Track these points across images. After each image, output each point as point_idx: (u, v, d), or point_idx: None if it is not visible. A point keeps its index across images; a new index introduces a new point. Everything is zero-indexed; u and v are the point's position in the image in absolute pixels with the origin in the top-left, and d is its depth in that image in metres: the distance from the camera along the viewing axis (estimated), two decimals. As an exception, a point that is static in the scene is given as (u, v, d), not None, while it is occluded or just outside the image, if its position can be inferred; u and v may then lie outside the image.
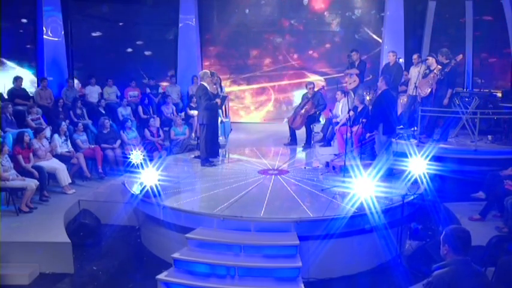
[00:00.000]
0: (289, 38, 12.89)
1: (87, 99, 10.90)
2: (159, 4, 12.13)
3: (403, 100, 9.58)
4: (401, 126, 8.88)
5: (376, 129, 7.21)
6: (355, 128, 8.13)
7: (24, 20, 11.24)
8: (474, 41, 11.76)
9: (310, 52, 12.92)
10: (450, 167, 7.32)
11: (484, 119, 8.86)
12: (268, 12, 12.75)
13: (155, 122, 9.86)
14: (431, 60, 8.42)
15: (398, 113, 9.21)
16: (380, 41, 12.36)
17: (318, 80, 12.41)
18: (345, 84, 9.96)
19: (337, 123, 9.27)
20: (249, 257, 5.38)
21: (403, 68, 10.08)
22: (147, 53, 12.42)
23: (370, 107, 8.55)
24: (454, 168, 7.40)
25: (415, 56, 9.56)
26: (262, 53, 13.01)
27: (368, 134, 8.08)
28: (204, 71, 8.40)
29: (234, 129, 11.77)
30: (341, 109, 9.33)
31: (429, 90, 8.34)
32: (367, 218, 5.66)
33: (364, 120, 8.13)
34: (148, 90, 11.54)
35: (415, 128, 8.66)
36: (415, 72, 9.06)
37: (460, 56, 8.17)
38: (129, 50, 12.44)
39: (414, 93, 8.83)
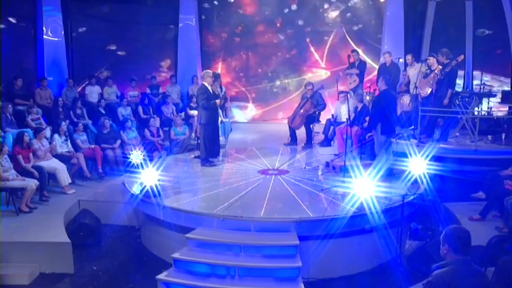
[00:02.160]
0: (289, 37, 12.89)
1: (87, 99, 10.90)
2: (159, 4, 12.13)
3: (402, 100, 9.57)
4: (413, 127, 8.83)
5: (374, 128, 7.21)
6: (355, 128, 8.13)
7: (24, 20, 11.23)
8: (474, 41, 11.77)
9: (311, 51, 12.92)
10: (450, 167, 7.32)
11: (484, 119, 8.86)
12: (268, 12, 12.75)
13: (155, 122, 9.87)
14: (432, 60, 8.42)
15: (398, 113, 9.20)
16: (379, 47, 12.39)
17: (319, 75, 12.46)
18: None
19: (340, 123, 9.31)
20: (249, 257, 5.38)
21: (401, 68, 10.09)
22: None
23: (370, 106, 8.56)
24: (454, 168, 7.39)
25: (408, 57, 9.58)
26: (262, 52, 13.00)
27: (368, 134, 8.09)
28: (205, 70, 8.39)
29: (234, 129, 11.77)
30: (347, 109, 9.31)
31: (429, 90, 8.34)
32: (367, 218, 5.66)
33: (367, 118, 8.16)
34: (148, 91, 11.55)
35: (413, 128, 8.68)
36: (412, 72, 9.06)
37: (462, 57, 8.18)
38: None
39: (414, 93, 8.84)
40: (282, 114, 12.77)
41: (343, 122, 9.34)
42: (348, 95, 9.43)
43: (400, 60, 10.23)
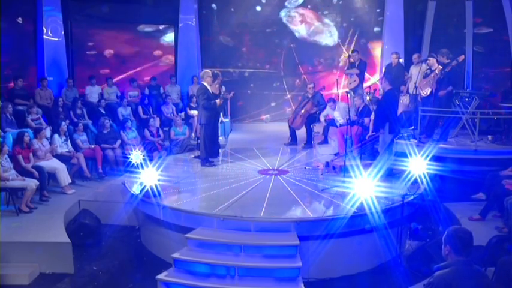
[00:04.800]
0: (289, 37, 12.89)
1: (87, 99, 10.90)
2: (159, 4, 12.14)
3: (403, 100, 9.58)
4: (413, 127, 8.83)
5: (383, 128, 7.20)
6: (355, 128, 8.13)
7: (24, 20, 11.22)
8: (474, 41, 11.78)
9: (311, 51, 12.94)
10: (450, 167, 7.32)
11: (484, 119, 8.86)
12: (268, 12, 12.76)
13: (155, 122, 9.87)
14: (432, 61, 8.43)
15: (398, 112, 9.20)
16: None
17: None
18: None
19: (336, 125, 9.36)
20: (249, 257, 5.38)
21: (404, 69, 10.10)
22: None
23: (371, 107, 8.55)
24: (454, 168, 7.39)
25: (415, 56, 9.57)
26: (262, 53, 13.00)
27: (368, 134, 8.08)
28: (204, 70, 8.39)
29: (234, 129, 11.78)
30: (340, 115, 9.31)
31: (429, 90, 8.34)
32: (367, 218, 5.65)
33: (360, 120, 8.15)
34: (147, 92, 11.53)
35: (413, 128, 8.68)
36: (415, 72, 9.06)
37: (462, 57, 8.18)
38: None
39: (415, 92, 8.84)
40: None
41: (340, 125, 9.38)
42: (348, 95, 9.44)
43: (400, 60, 10.23)
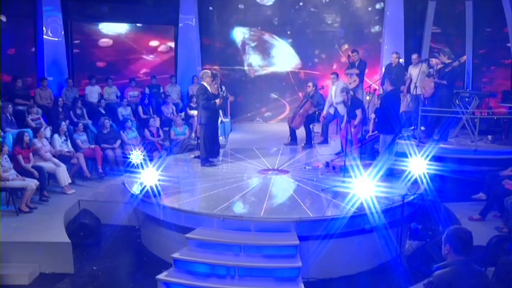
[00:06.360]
0: (289, 37, 12.90)
1: (87, 99, 10.90)
2: (159, 4, 12.14)
3: (403, 100, 9.57)
4: (413, 127, 8.83)
5: (387, 128, 7.18)
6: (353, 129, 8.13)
7: (24, 20, 11.23)
8: (474, 41, 11.78)
9: (311, 51, 12.94)
10: (450, 167, 7.32)
11: (484, 119, 8.86)
12: (269, 12, 12.76)
13: (155, 122, 9.88)
14: (435, 62, 8.43)
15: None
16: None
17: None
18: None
19: (334, 115, 9.31)
20: (249, 257, 5.38)
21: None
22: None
23: (367, 108, 8.56)
24: (454, 168, 7.39)
25: (414, 56, 9.57)
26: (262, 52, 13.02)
27: (369, 134, 8.08)
28: (204, 70, 8.39)
29: (234, 129, 11.78)
30: (335, 93, 9.27)
31: (433, 91, 8.33)
32: (367, 218, 5.65)
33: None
34: (147, 91, 11.54)
35: (413, 127, 8.67)
36: (415, 72, 9.06)
37: (464, 57, 8.19)
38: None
39: (415, 93, 8.83)
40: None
41: (334, 115, 9.36)
42: (348, 95, 9.43)
43: (400, 60, 10.24)
